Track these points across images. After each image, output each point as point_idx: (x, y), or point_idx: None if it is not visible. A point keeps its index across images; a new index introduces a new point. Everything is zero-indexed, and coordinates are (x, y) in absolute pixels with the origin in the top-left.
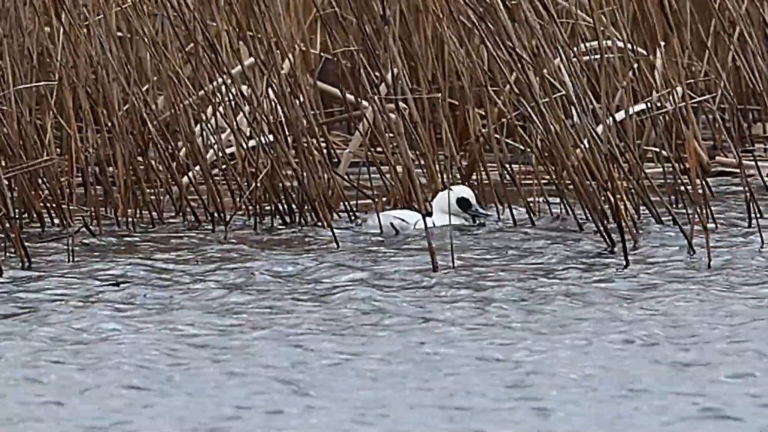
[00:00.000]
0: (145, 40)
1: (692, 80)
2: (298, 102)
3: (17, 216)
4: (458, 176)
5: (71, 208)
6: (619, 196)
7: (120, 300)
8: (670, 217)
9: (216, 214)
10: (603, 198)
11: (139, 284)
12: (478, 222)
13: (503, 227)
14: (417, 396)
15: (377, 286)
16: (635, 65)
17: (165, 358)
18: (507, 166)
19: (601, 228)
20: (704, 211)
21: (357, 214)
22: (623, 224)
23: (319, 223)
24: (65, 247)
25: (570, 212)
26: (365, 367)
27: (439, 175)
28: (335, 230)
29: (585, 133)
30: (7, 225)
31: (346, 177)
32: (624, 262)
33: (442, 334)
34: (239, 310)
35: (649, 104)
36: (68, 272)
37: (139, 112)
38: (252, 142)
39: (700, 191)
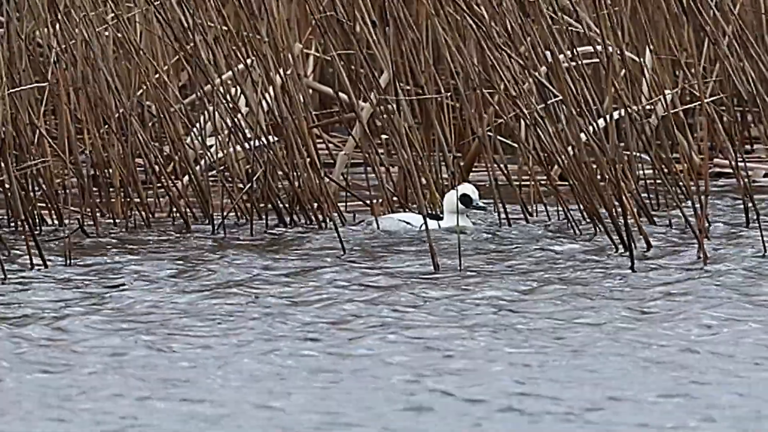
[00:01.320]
0: (131, 48)
1: (692, 83)
2: (289, 105)
3: (27, 218)
4: (454, 177)
5: (67, 208)
6: (626, 198)
7: (118, 300)
8: (665, 218)
9: (206, 216)
10: (614, 199)
11: (134, 285)
12: (478, 213)
13: (504, 229)
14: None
15: (378, 287)
16: (624, 70)
17: (162, 358)
18: (503, 166)
19: (612, 229)
20: (703, 213)
21: (346, 215)
22: (632, 226)
23: (312, 225)
24: (61, 247)
25: (567, 214)
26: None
27: (432, 176)
28: (331, 231)
29: (591, 135)
30: (17, 227)
31: (339, 179)
32: (630, 263)
33: (445, 338)
34: (235, 309)
35: (637, 109)
36: (66, 272)
37: (134, 116)
38: (246, 145)
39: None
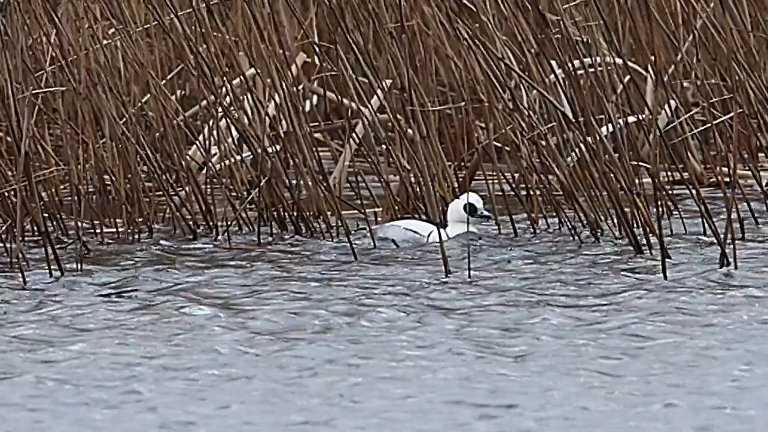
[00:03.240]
0: (131, 62)
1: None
2: (294, 115)
3: (46, 227)
4: (456, 186)
5: (71, 218)
6: (643, 204)
7: (130, 309)
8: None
9: (209, 226)
10: (631, 206)
11: (141, 293)
12: (483, 221)
13: (512, 237)
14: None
15: (395, 295)
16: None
17: (171, 362)
18: (508, 175)
19: (631, 236)
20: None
21: (349, 224)
22: (651, 233)
23: (317, 234)
24: (71, 256)
25: (568, 222)
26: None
27: (434, 185)
28: (336, 240)
29: (618, 144)
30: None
31: (337, 189)
32: (653, 271)
33: (449, 344)
34: (241, 314)
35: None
36: (80, 281)
37: (135, 126)
38: (249, 154)
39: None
